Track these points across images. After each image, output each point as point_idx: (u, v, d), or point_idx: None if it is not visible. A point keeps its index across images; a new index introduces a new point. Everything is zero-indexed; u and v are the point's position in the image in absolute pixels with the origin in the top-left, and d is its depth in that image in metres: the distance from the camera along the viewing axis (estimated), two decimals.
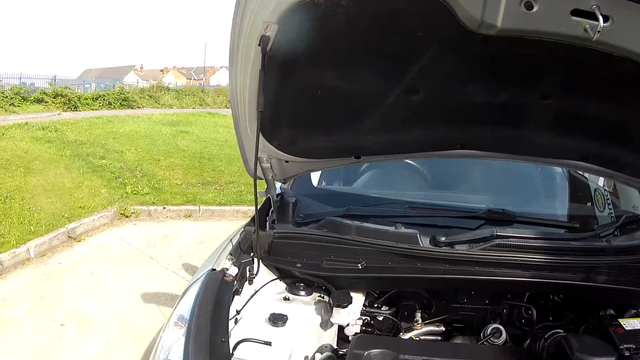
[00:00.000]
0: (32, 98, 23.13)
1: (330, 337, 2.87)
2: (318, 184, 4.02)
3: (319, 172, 4.04)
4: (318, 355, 2.65)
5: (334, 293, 2.78)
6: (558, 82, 2.44)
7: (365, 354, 2.47)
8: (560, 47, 2.12)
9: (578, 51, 2.12)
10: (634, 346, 2.52)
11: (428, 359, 2.49)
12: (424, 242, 2.91)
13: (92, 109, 22.97)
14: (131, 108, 24.97)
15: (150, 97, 28.43)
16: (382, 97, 2.53)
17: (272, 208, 3.20)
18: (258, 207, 2.82)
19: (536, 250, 2.89)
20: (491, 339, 2.93)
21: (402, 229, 2.92)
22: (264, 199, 3.23)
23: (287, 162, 2.92)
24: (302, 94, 2.52)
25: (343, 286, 2.85)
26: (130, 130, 16.79)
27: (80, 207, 8.39)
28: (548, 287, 2.96)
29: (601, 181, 4.01)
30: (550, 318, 3.01)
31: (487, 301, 3.19)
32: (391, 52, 2.30)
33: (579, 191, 4.19)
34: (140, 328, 5.14)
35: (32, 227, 7.32)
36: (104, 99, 24.88)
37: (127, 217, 8.65)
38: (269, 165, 2.87)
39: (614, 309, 2.88)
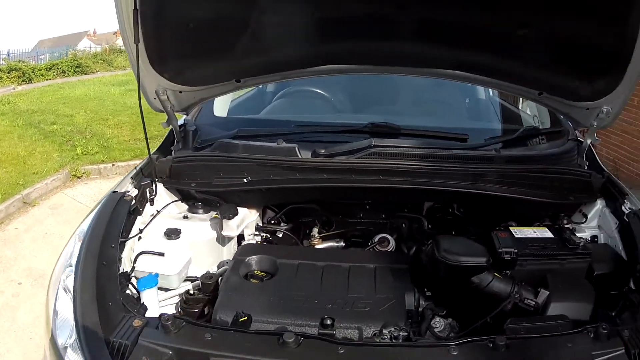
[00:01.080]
0: None
1: (229, 254, 3.02)
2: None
3: (227, 105, 4.17)
4: (215, 268, 2.85)
5: (222, 207, 2.94)
6: None
7: (246, 260, 2.65)
8: None
9: None
10: (516, 250, 2.55)
11: (303, 262, 2.64)
12: (306, 155, 3.02)
13: (47, 79, 22.40)
14: (85, 74, 24.51)
15: (104, 60, 27.84)
16: (243, 22, 2.69)
17: (175, 137, 3.33)
18: (149, 137, 3.00)
19: (415, 157, 2.94)
20: (377, 246, 3.06)
21: (283, 144, 3.04)
22: (169, 129, 3.36)
23: (180, 92, 3.06)
24: (178, 27, 2.68)
25: (235, 202, 3.00)
26: (80, 94, 16.67)
27: (34, 173, 8.48)
28: (428, 194, 3.03)
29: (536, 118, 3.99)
30: (453, 232, 3.05)
31: (383, 215, 3.28)
32: None
33: (506, 121, 4.19)
34: None
35: None
36: (57, 68, 24.23)
37: (78, 177, 8.78)
38: (166, 97, 3.00)
39: (519, 222, 2.89)
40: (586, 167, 3.18)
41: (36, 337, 4.56)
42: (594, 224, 3.05)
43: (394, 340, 2.20)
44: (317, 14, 2.69)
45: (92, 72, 25.29)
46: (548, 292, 2.44)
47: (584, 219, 3.05)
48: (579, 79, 2.89)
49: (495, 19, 2.63)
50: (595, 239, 2.98)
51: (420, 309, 2.48)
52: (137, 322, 1.99)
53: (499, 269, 2.55)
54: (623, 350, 1.94)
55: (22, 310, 4.99)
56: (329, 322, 2.10)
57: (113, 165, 9.17)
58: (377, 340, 2.19)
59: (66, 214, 7.36)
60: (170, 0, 2.56)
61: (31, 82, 21.90)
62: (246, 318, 2.18)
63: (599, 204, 3.05)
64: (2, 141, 10.37)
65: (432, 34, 2.79)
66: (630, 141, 8.66)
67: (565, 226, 2.84)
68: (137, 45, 2.51)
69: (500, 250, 2.54)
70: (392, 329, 2.22)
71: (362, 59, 3.04)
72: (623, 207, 2.79)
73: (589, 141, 3.17)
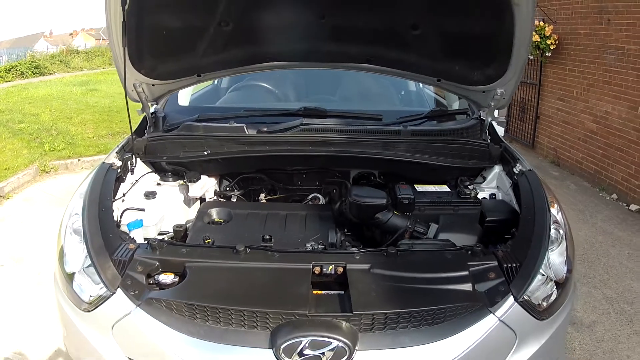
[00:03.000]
0: None
1: (194, 214, 3.60)
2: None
3: (189, 97, 4.84)
4: (183, 223, 3.49)
5: (187, 173, 3.63)
6: (328, 2, 3.25)
7: (208, 211, 3.36)
8: None
9: None
10: (412, 197, 3.28)
11: (252, 212, 3.38)
12: (252, 133, 3.65)
13: (6, 81, 22.12)
14: (43, 75, 24.35)
15: (61, 61, 27.78)
16: (204, 30, 3.39)
17: (148, 122, 3.95)
18: (136, 123, 3.62)
19: (337, 132, 3.62)
20: (310, 202, 3.79)
21: (234, 124, 3.69)
22: (143, 116, 3.97)
23: (153, 85, 3.71)
24: (153, 34, 3.34)
25: (198, 170, 3.69)
26: (44, 94, 16.93)
27: (6, 168, 8.75)
28: (348, 159, 3.66)
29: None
30: None
31: (317, 182, 3.98)
32: None
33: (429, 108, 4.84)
34: None
35: None
36: (16, 70, 23.90)
37: (47, 172, 9.16)
38: (142, 89, 3.62)
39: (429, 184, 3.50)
40: (489, 140, 3.80)
41: (22, 306, 4.97)
42: (493, 184, 3.72)
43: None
44: (259, 22, 3.41)
45: (50, 73, 25.08)
46: (437, 226, 3.21)
47: (483, 180, 3.73)
48: (471, 67, 3.54)
49: (391, 24, 3.35)
50: (494, 196, 3.63)
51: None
52: (131, 246, 2.72)
53: (402, 211, 3.28)
54: (496, 263, 2.62)
55: (7, 286, 5.40)
56: (267, 237, 2.91)
57: (79, 160, 9.59)
58: (302, 249, 2.94)
59: (39, 204, 7.79)
60: (149, 13, 3.20)
61: None
62: (210, 240, 2.95)
63: (497, 168, 3.70)
64: None
65: (344, 36, 3.51)
66: (571, 130, 9.32)
67: (466, 185, 3.52)
68: (124, 49, 3.16)
69: (399, 196, 3.28)
70: (313, 242, 2.98)
71: (292, 57, 3.77)
72: (514, 169, 3.42)
73: (489, 119, 3.82)
